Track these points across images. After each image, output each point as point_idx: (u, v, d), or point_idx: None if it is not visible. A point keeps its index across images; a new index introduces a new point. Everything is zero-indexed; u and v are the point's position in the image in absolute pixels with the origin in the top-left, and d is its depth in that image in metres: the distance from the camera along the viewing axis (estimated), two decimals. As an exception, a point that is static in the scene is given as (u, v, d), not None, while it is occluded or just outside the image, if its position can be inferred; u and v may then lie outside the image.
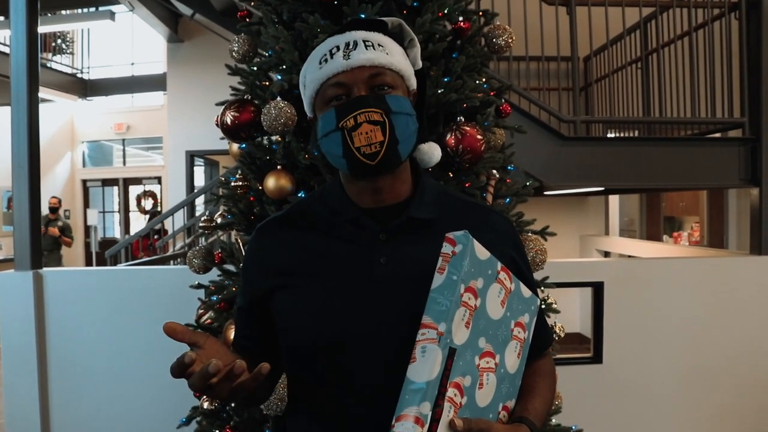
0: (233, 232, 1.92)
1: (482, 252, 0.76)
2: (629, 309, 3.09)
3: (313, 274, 0.86)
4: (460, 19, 1.64)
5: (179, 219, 6.44)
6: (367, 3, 1.49)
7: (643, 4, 3.59)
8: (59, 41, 9.44)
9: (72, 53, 9.84)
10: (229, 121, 1.60)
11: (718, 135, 3.63)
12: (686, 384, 3.13)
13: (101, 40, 10.23)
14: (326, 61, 0.84)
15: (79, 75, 9.73)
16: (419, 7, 1.58)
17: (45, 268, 2.91)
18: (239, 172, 1.73)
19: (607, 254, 6.08)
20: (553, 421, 1.80)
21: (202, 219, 1.95)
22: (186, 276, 2.01)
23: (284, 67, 1.60)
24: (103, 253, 5.89)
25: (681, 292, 3.13)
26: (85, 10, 7.69)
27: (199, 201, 7.38)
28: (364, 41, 0.84)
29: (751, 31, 3.31)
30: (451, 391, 0.71)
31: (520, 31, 2.94)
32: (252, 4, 1.83)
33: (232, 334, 1.19)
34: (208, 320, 1.79)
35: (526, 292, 0.85)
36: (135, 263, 4.75)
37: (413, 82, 0.90)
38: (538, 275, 1.69)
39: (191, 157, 7.59)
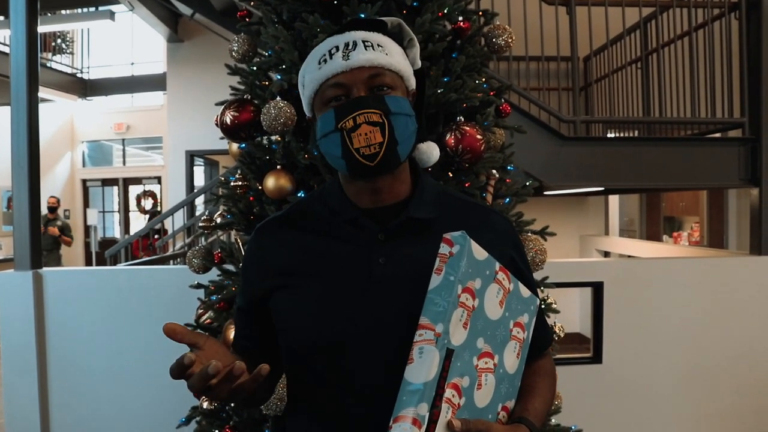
0: (233, 232, 1.92)
1: (480, 252, 0.76)
2: (629, 309, 3.09)
3: (313, 274, 0.86)
4: (460, 18, 1.64)
5: (179, 219, 6.44)
6: (366, 3, 1.49)
7: (643, 4, 3.59)
8: (59, 41, 9.44)
9: (72, 53, 9.84)
10: (228, 121, 1.60)
11: (718, 135, 3.62)
12: (686, 384, 3.13)
13: (101, 39, 10.23)
14: (325, 61, 0.84)
15: (78, 75, 9.73)
16: (419, 7, 1.58)
17: (45, 268, 2.91)
18: (239, 171, 1.73)
19: (606, 254, 6.09)
20: (553, 421, 1.80)
21: (202, 219, 1.95)
22: (186, 276, 2.01)
23: (284, 66, 1.60)
24: (103, 252, 5.89)
25: (681, 292, 3.13)
26: (85, 9, 7.68)
27: (199, 201, 7.38)
28: (363, 41, 0.84)
29: (751, 31, 3.31)
30: (449, 392, 0.71)
31: (519, 31, 2.94)
32: (252, 3, 1.83)
33: (231, 334, 1.19)
34: (208, 320, 1.79)
35: (525, 292, 0.84)
36: (135, 263, 4.75)
37: (412, 82, 0.90)
38: (537, 275, 1.69)
39: (191, 156, 7.59)
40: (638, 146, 3.38)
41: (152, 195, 10.09)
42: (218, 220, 1.87)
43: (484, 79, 1.70)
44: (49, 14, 7.72)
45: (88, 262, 9.47)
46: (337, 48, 0.84)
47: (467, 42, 1.68)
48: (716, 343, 3.14)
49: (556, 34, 3.34)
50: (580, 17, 3.40)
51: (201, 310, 1.87)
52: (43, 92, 6.84)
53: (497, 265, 0.79)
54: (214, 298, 1.76)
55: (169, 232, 6.56)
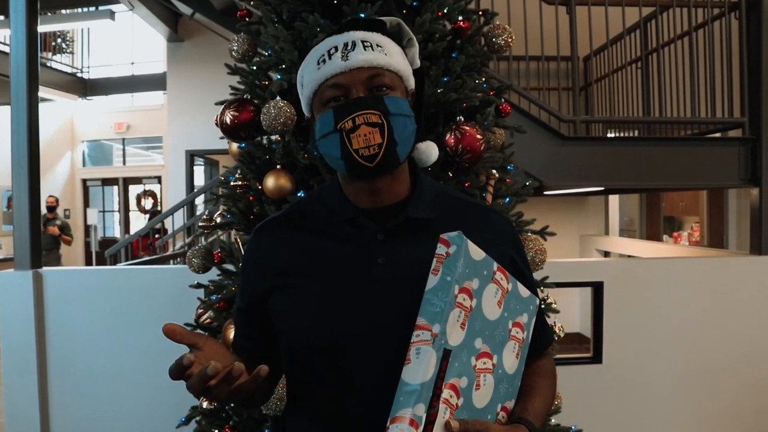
0: (233, 232, 1.92)
1: (477, 252, 0.76)
2: (629, 309, 3.09)
3: (312, 274, 0.86)
4: (460, 18, 1.64)
5: (179, 218, 6.44)
6: (366, 2, 1.49)
7: (643, 4, 3.58)
8: (59, 40, 9.43)
9: (72, 52, 9.84)
10: (228, 121, 1.60)
11: (718, 135, 3.62)
12: (686, 384, 3.13)
13: (101, 39, 10.23)
14: (324, 61, 0.84)
15: (79, 74, 9.73)
16: (419, 7, 1.58)
17: (45, 268, 2.91)
18: (239, 171, 1.73)
19: (606, 254, 6.08)
20: (553, 421, 1.80)
21: (202, 219, 1.95)
22: (185, 275, 2.01)
23: (284, 66, 1.60)
24: (103, 252, 5.89)
25: (681, 292, 3.13)
26: (85, 9, 7.68)
27: (200, 200, 7.38)
28: (362, 42, 0.84)
29: (751, 30, 3.30)
30: (446, 393, 0.71)
31: (519, 31, 2.93)
32: (252, 3, 1.83)
33: (231, 334, 1.19)
34: (208, 320, 1.79)
35: (524, 291, 0.84)
36: (134, 262, 4.75)
37: (412, 82, 0.90)
38: (537, 275, 1.68)
39: (191, 156, 7.59)
40: (638, 146, 3.37)
41: (152, 195, 10.10)
42: (218, 220, 1.86)
43: (484, 79, 1.70)
44: (49, 14, 7.72)
45: (88, 262, 9.47)
46: (336, 48, 0.84)
47: (467, 42, 1.68)
48: (716, 343, 3.14)
49: (556, 33, 3.33)
50: (580, 17, 3.40)
51: (201, 310, 1.87)
52: (43, 92, 6.84)
53: (495, 265, 0.79)
54: (213, 297, 1.76)
55: (169, 231, 6.56)
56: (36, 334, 2.79)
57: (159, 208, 9.74)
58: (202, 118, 6.81)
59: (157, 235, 7.16)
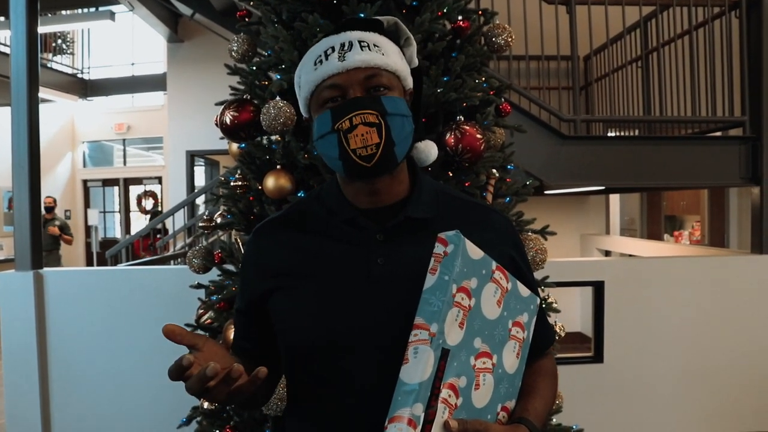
0: (233, 232, 1.92)
1: (475, 252, 0.76)
2: (630, 308, 3.08)
3: (311, 274, 0.86)
4: (460, 18, 1.64)
5: (180, 219, 6.45)
6: (366, 2, 1.49)
7: (643, 3, 3.58)
8: (59, 41, 9.44)
9: (72, 53, 9.85)
10: (228, 121, 1.60)
11: (718, 134, 3.62)
12: (687, 383, 3.13)
13: (101, 40, 10.24)
14: (321, 62, 0.84)
15: (79, 75, 9.73)
16: (418, 6, 1.57)
17: (45, 268, 2.91)
18: (239, 171, 1.73)
19: (607, 253, 6.08)
20: (554, 420, 1.80)
21: (202, 219, 1.94)
22: (186, 276, 2.01)
23: (283, 66, 1.60)
24: (104, 253, 5.89)
25: (682, 292, 3.13)
26: (85, 10, 7.68)
27: (200, 201, 7.38)
28: (359, 42, 0.84)
29: (752, 29, 3.30)
30: (445, 392, 0.71)
31: (519, 30, 2.93)
32: (251, 3, 1.82)
33: (231, 334, 1.19)
34: (208, 320, 1.79)
35: (524, 291, 0.84)
36: (135, 263, 4.75)
37: (409, 82, 0.90)
38: (538, 274, 1.68)
39: (191, 157, 7.59)
40: (639, 145, 3.37)
41: (153, 195, 10.10)
42: (218, 220, 1.86)
43: (483, 79, 1.70)
44: (49, 15, 7.72)
45: (89, 263, 9.48)
46: (333, 48, 0.84)
47: (467, 41, 1.67)
48: (717, 342, 3.14)
49: (556, 33, 3.33)
50: (580, 16, 3.40)
51: (201, 310, 1.87)
52: (43, 93, 6.86)
53: (494, 264, 0.79)
54: (214, 298, 1.76)
55: (170, 232, 6.56)
56: (37, 334, 2.80)
57: (160, 209, 9.74)
58: (202, 119, 6.81)
59: (158, 236, 7.16)
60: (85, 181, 10.29)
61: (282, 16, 1.65)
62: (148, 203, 10.07)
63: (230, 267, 1.81)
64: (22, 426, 2.82)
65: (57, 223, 6.73)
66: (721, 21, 3.40)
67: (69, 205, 9.87)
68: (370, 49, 0.83)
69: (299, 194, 1.58)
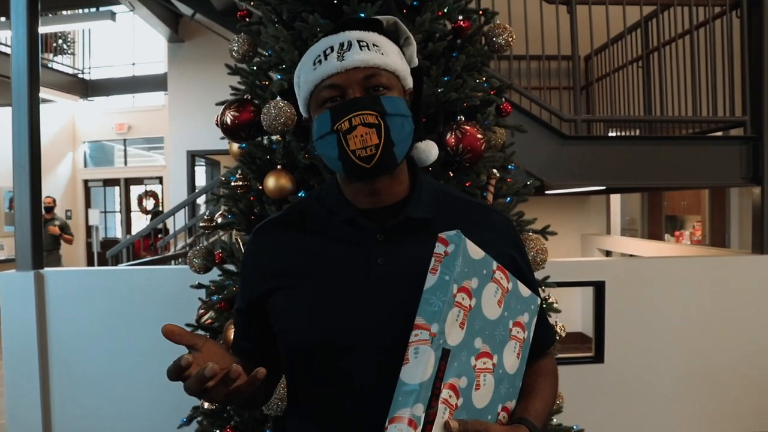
0: (234, 232, 1.92)
1: (476, 251, 0.76)
2: (631, 308, 3.08)
3: (311, 274, 0.86)
4: (460, 18, 1.64)
5: (180, 219, 6.45)
6: (366, 2, 1.48)
7: (644, 3, 3.58)
8: (60, 42, 9.44)
9: (73, 53, 9.86)
10: (228, 121, 1.60)
11: (719, 134, 3.62)
12: (687, 383, 3.12)
13: (102, 40, 10.24)
14: (320, 62, 0.84)
15: (80, 75, 9.74)
16: (419, 6, 1.57)
17: (46, 268, 2.91)
18: (239, 171, 1.73)
19: (608, 253, 6.08)
20: (555, 420, 1.80)
21: (203, 219, 1.95)
22: (186, 276, 2.01)
23: (284, 66, 1.60)
24: (105, 253, 5.90)
25: (683, 292, 3.12)
26: (86, 10, 7.69)
27: (201, 200, 7.39)
28: (358, 41, 0.83)
29: (753, 29, 3.30)
30: (445, 393, 0.71)
31: (520, 30, 2.93)
32: (252, 3, 1.82)
33: (232, 334, 1.19)
34: (209, 320, 1.79)
35: (525, 291, 0.84)
36: (136, 263, 4.75)
37: (409, 81, 0.90)
38: (539, 275, 1.68)
39: (192, 157, 7.59)
40: (640, 145, 3.37)
41: (154, 195, 10.11)
42: (219, 220, 1.86)
43: (484, 79, 1.70)
44: (50, 15, 7.73)
45: (90, 263, 9.48)
46: (332, 48, 0.83)
47: (467, 41, 1.67)
48: (718, 342, 3.14)
49: (556, 33, 3.33)
50: (580, 16, 3.39)
51: (202, 310, 1.87)
52: (44, 93, 6.86)
53: (495, 264, 0.78)
54: (215, 298, 1.76)
55: (171, 232, 6.57)
56: (38, 334, 2.80)
57: (160, 209, 9.75)
58: (203, 119, 6.82)
59: (159, 236, 7.16)
60: (86, 181, 10.30)
61: (282, 16, 1.65)
62: (149, 203, 10.08)
63: (231, 267, 1.81)
64: (23, 426, 2.83)
65: (57, 222, 6.73)
66: (722, 21, 3.39)
67: (70, 205, 9.88)
68: (369, 49, 0.83)
69: (300, 194, 1.58)
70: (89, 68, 10.00)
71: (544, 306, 1.71)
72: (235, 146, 1.78)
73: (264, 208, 1.64)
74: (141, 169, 10.41)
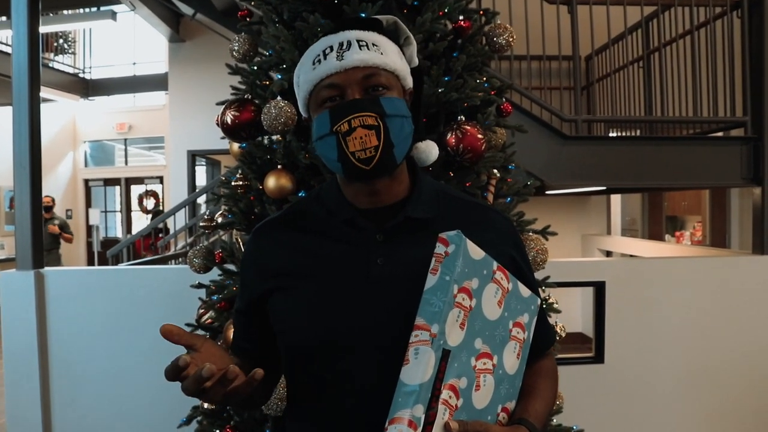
0: (234, 232, 1.92)
1: (476, 252, 0.76)
2: (631, 309, 3.08)
3: (311, 275, 0.86)
4: (461, 18, 1.64)
5: (181, 218, 6.45)
6: (367, 2, 1.48)
7: (645, 3, 3.58)
8: (61, 41, 9.44)
9: (74, 53, 9.86)
10: (229, 121, 1.60)
11: (720, 134, 3.61)
12: (688, 383, 3.12)
13: (103, 39, 10.25)
14: (319, 61, 0.83)
15: (80, 75, 9.74)
16: (419, 6, 1.57)
17: (46, 268, 2.91)
18: (240, 171, 1.73)
19: (609, 254, 6.07)
20: (555, 421, 1.79)
21: (203, 219, 1.95)
22: (187, 275, 2.01)
23: (284, 66, 1.60)
24: (105, 252, 5.90)
25: (683, 292, 3.12)
26: (87, 9, 7.68)
27: (202, 200, 7.39)
28: (357, 41, 0.83)
29: (754, 29, 3.29)
30: (445, 393, 0.71)
31: (521, 30, 2.93)
32: (253, 3, 1.82)
33: (231, 334, 1.19)
34: (209, 320, 1.79)
35: (525, 291, 0.84)
36: (136, 262, 4.75)
37: (409, 81, 0.90)
38: (539, 275, 1.68)
39: (193, 156, 7.59)
40: (640, 145, 3.37)
41: (154, 195, 10.11)
42: (219, 220, 1.86)
43: (485, 79, 1.69)
44: (50, 14, 7.72)
45: (90, 262, 9.49)
46: (332, 48, 0.83)
47: (468, 41, 1.67)
48: (718, 343, 3.13)
49: (557, 33, 3.33)
50: (581, 16, 3.39)
51: (202, 310, 1.87)
52: (45, 92, 6.86)
53: (495, 265, 0.78)
54: (215, 297, 1.76)
55: (171, 231, 6.57)
56: (38, 334, 2.80)
57: (161, 208, 9.75)
58: (203, 118, 6.82)
59: (159, 235, 7.17)
60: (86, 181, 10.30)
61: (283, 15, 1.65)
62: (150, 203, 10.08)
63: (231, 267, 1.81)
64: (23, 426, 2.82)
65: (56, 222, 6.72)
66: (723, 21, 3.39)
67: (70, 204, 9.89)
68: (368, 49, 0.83)
69: (300, 194, 1.58)
70: (90, 68, 10.00)
71: (544, 306, 1.72)
72: (236, 146, 1.78)
73: (264, 208, 1.64)
74: (141, 169, 10.42)
